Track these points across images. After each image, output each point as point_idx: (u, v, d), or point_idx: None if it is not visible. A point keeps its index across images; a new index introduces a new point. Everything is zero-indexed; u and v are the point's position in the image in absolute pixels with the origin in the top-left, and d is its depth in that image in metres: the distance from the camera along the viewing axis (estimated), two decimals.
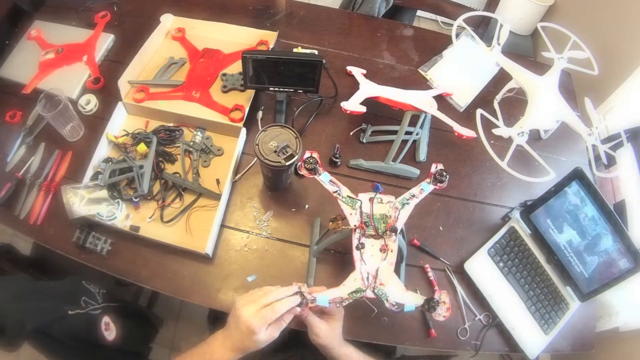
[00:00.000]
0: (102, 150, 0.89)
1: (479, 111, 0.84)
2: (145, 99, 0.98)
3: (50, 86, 0.93)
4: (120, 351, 1.03)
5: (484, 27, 1.29)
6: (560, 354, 0.87)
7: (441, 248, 0.90)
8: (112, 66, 1.05)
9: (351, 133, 1.01)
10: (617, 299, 0.99)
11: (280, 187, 0.92)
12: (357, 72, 1.04)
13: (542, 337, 0.84)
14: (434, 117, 0.92)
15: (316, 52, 1.12)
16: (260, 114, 0.99)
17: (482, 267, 0.87)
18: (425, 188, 0.72)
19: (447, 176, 0.71)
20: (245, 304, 0.60)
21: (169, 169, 0.91)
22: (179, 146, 0.93)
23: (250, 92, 0.99)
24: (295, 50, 1.10)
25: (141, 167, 0.86)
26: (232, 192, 0.91)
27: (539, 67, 1.14)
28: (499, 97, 1.08)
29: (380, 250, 0.67)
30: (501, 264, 0.88)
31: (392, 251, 0.66)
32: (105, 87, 1.02)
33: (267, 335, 0.58)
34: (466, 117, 1.06)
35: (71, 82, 1.01)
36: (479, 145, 0.85)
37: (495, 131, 0.86)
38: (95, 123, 0.96)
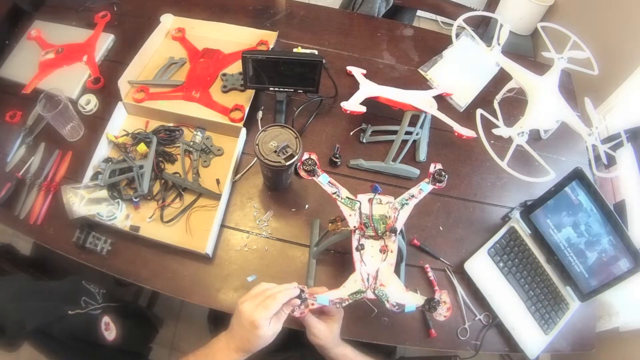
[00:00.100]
0: (102, 150, 0.90)
1: (479, 111, 0.84)
2: (145, 99, 0.98)
3: (50, 86, 0.93)
4: (120, 351, 1.03)
5: (484, 27, 1.29)
6: (560, 354, 0.87)
7: (441, 248, 0.90)
8: (112, 66, 1.05)
9: (351, 133, 1.01)
10: (617, 299, 0.99)
11: (280, 187, 0.92)
12: (357, 72, 1.04)
13: (542, 337, 0.84)
14: (434, 117, 0.92)
15: (316, 52, 1.12)
16: (260, 114, 0.99)
17: (482, 267, 0.87)
18: (424, 188, 0.72)
19: (446, 176, 0.72)
20: (246, 300, 0.60)
21: (169, 169, 0.91)
22: (179, 146, 0.93)
23: (250, 92, 0.99)
24: (295, 50, 1.10)
25: (141, 167, 0.86)
26: (232, 192, 0.91)
27: (539, 67, 1.14)
28: (499, 97, 1.08)
29: (380, 251, 0.67)
30: (501, 264, 0.88)
31: (392, 252, 0.66)
32: (105, 87, 1.02)
33: (270, 329, 0.58)
34: (466, 117, 1.06)
35: (71, 82, 1.01)
36: (479, 145, 0.85)
37: (495, 131, 0.86)
38: (95, 123, 0.96)
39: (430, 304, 0.65)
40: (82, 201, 0.81)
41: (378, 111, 1.00)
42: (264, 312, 0.57)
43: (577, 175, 0.80)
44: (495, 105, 1.08)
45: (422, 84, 1.12)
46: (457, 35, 1.12)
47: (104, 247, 0.82)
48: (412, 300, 0.65)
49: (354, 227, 0.68)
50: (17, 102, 0.99)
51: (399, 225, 0.68)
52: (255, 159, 0.90)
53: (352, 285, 0.64)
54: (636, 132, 1.13)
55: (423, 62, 1.15)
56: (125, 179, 0.87)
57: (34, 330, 0.83)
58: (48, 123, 0.91)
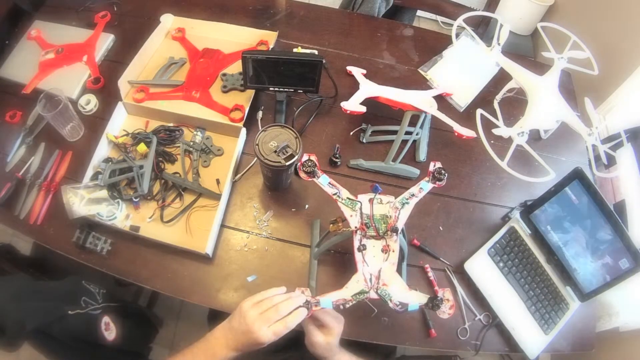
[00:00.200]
0: (102, 150, 0.89)
1: (479, 111, 0.84)
2: (145, 99, 0.98)
3: (50, 86, 0.93)
4: (120, 351, 1.03)
5: (484, 27, 1.29)
6: (560, 354, 0.87)
7: (441, 248, 0.90)
8: (112, 66, 1.05)
9: (351, 133, 1.01)
10: (617, 299, 0.99)
11: (280, 187, 0.92)
12: (357, 72, 1.04)
13: (542, 337, 0.84)
14: (434, 117, 0.92)
15: (316, 52, 1.12)
16: (260, 114, 0.99)
17: (482, 267, 0.87)
18: (425, 187, 0.72)
19: (446, 174, 0.72)
20: (251, 303, 0.61)
21: (169, 169, 0.91)
22: (179, 146, 0.93)
23: (250, 92, 0.99)
24: (295, 50, 1.10)
25: (141, 167, 0.86)
26: (232, 192, 0.91)
27: (539, 67, 1.14)
28: (499, 97, 1.08)
29: (382, 251, 0.67)
30: (501, 264, 0.88)
31: (393, 251, 0.66)
32: (105, 87, 1.02)
33: (266, 336, 0.58)
34: (466, 117, 1.06)
35: (71, 82, 1.01)
36: (479, 145, 0.85)
37: (495, 131, 0.86)
38: (95, 123, 0.96)
39: (434, 302, 0.65)
40: (82, 201, 0.81)
41: (378, 111, 1.00)
42: (264, 323, 0.58)
43: (577, 175, 0.80)
44: (495, 105, 1.08)
45: (422, 84, 1.12)
46: (457, 35, 1.12)
47: (104, 247, 0.82)
48: (415, 299, 0.65)
49: (355, 227, 0.68)
50: (17, 102, 0.99)
51: (400, 224, 0.68)
52: (255, 159, 0.90)
53: (354, 285, 0.64)
54: (636, 132, 1.13)
55: (423, 62, 1.15)
56: (125, 179, 0.87)
57: (34, 330, 0.83)
58: (48, 123, 0.91)
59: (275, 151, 0.76)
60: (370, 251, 0.67)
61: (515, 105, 1.09)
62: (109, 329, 0.98)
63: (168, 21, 1.11)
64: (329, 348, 0.65)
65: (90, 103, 0.99)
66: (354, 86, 0.96)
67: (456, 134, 0.88)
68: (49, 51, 1.05)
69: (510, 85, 1.04)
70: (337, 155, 0.94)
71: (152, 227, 0.85)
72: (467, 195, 0.97)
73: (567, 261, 0.86)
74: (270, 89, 0.95)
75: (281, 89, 0.95)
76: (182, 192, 0.88)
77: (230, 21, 1.11)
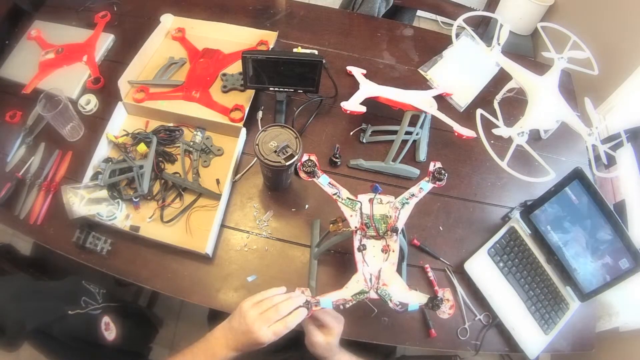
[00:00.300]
0: (102, 150, 0.89)
1: (479, 111, 0.84)
2: (145, 99, 0.98)
3: (50, 86, 0.93)
4: (120, 351, 1.03)
5: (484, 27, 1.29)
6: (560, 354, 0.87)
7: (441, 248, 0.90)
8: (112, 66, 1.05)
9: (351, 133, 1.01)
10: (617, 299, 0.99)
11: (280, 187, 0.92)
12: (357, 72, 1.04)
13: (542, 337, 0.84)
14: (434, 117, 0.92)
15: (316, 52, 1.12)
16: (260, 114, 0.99)
17: (482, 267, 0.87)
18: (424, 187, 0.72)
19: (446, 174, 0.72)
20: (252, 303, 0.61)
21: (169, 169, 0.91)
22: (179, 146, 0.93)
23: (250, 92, 0.99)
24: (295, 50, 1.10)
25: (141, 167, 0.86)
26: (232, 192, 0.91)
27: (539, 67, 1.14)
28: (499, 97, 1.08)
29: (382, 251, 0.67)
30: (501, 264, 0.88)
31: (393, 251, 0.66)
32: (105, 87, 1.02)
33: (267, 336, 0.58)
34: (466, 117, 1.06)
35: (71, 82, 1.01)
36: (479, 145, 0.85)
37: (495, 131, 0.86)
38: (95, 123, 0.96)
39: (434, 302, 0.65)
40: (82, 201, 0.81)
41: (378, 111, 1.00)
42: (264, 323, 0.58)
43: (577, 175, 0.80)
44: (495, 105, 1.08)
45: (422, 84, 1.12)
46: (457, 35, 1.12)
47: (104, 247, 0.82)
48: (415, 299, 0.65)
49: (355, 227, 0.68)
50: (17, 102, 0.99)
51: (400, 224, 0.68)
52: (255, 159, 0.90)
53: (354, 285, 0.64)
54: (636, 132, 1.13)
55: (423, 62, 1.15)
56: (125, 179, 0.87)
57: (34, 330, 0.83)
58: (48, 123, 0.91)
59: (275, 151, 0.76)
60: (370, 251, 0.67)
61: (515, 105, 1.09)
62: (109, 329, 0.98)
63: (168, 21, 1.11)
64: (329, 348, 0.65)
65: (90, 103, 0.99)
66: (354, 86, 0.96)
67: (456, 134, 0.88)
68: (49, 51, 1.05)
69: (510, 85, 1.04)
70: (337, 155, 0.94)
71: (152, 227, 0.85)
72: (467, 195, 0.97)
73: (567, 261, 0.86)
74: (270, 89, 0.95)
75: (281, 89, 0.95)
76: (182, 192, 0.88)
77: (230, 21, 1.11)
